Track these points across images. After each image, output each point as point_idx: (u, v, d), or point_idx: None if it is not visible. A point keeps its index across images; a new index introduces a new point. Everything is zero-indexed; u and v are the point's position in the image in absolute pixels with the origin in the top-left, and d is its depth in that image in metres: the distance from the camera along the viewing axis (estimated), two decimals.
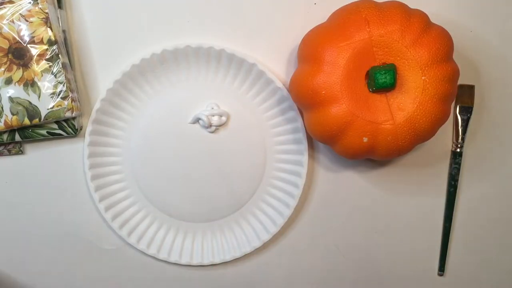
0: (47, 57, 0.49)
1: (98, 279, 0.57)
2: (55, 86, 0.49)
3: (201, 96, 0.54)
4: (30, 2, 0.49)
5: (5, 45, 0.49)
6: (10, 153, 0.53)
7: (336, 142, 0.47)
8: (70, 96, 0.50)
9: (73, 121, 0.52)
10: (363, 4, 0.47)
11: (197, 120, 0.54)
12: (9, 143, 0.53)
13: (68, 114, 0.50)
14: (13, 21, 0.49)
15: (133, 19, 0.54)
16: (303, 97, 0.47)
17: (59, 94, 0.49)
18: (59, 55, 0.49)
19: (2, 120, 0.49)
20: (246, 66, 0.53)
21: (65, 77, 0.50)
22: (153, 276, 0.57)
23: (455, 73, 0.47)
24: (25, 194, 0.55)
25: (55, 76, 0.49)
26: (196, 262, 0.55)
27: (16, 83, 0.49)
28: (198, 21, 0.54)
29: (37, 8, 0.49)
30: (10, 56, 0.49)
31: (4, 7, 0.49)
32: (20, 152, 0.54)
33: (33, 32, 0.49)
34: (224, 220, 0.56)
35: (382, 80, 0.45)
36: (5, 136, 0.51)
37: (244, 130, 0.54)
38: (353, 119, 0.45)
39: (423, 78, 0.45)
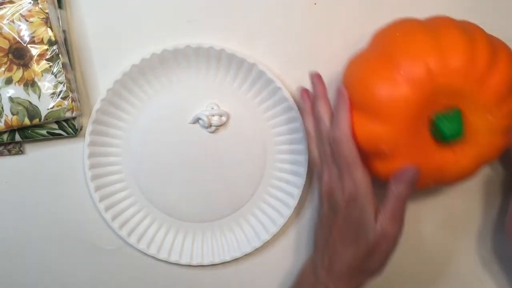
0: (47, 57, 0.49)
1: (98, 279, 0.56)
2: (55, 86, 0.49)
3: (201, 96, 0.54)
4: (30, 2, 0.49)
5: (5, 45, 0.49)
6: (10, 153, 0.53)
7: None
8: (70, 96, 0.50)
9: (73, 121, 0.52)
10: (413, 28, 0.42)
11: (197, 120, 0.54)
12: (9, 143, 0.53)
13: (68, 114, 0.50)
14: (13, 21, 0.49)
15: (133, 19, 0.54)
16: (359, 147, 0.44)
17: (59, 94, 0.49)
18: (59, 55, 0.49)
19: (2, 120, 0.49)
20: (246, 66, 0.53)
21: (65, 77, 0.50)
22: (153, 276, 0.57)
23: None
24: (25, 194, 0.55)
25: (55, 76, 0.49)
26: (196, 262, 0.55)
27: (16, 83, 0.49)
28: (198, 21, 0.54)
29: (37, 8, 0.49)
30: (10, 56, 0.49)
31: (4, 7, 0.49)
32: (20, 152, 0.54)
33: (33, 32, 0.49)
34: (224, 220, 0.56)
35: (449, 131, 0.41)
36: (5, 136, 0.51)
37: (244, 130, 0.54)
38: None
39: (489, 118, 0.41)
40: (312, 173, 0.56)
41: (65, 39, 0.52)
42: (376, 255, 0.45)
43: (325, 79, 0.55)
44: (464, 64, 0.40)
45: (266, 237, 0.54)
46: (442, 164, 0.44)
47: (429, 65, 0.40)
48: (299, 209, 0.56)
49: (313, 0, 0.54)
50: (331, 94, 0.52)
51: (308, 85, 0.55)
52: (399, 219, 0.44)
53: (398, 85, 0.40)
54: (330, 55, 0.55)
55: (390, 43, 0.43)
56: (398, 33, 0.44)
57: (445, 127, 0.41)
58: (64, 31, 0.52)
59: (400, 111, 0.41)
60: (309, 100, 0.50)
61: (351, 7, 0.55)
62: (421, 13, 0.56)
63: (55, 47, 0.49)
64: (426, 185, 0.45)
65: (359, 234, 0.44)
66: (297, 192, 0.54)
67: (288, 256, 0.57)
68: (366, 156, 0.44)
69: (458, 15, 0.56)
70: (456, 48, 0.40)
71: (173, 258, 0.55)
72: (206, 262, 0.55)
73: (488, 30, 0.51)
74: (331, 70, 0.55)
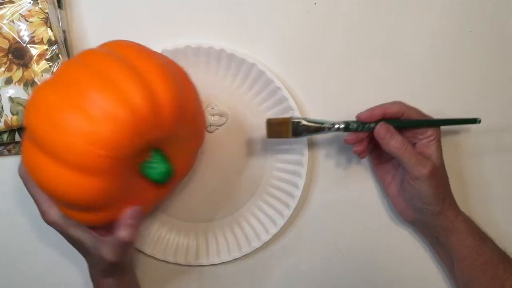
0: (47, 57, 0.49)
1: None
2: None
3: (201, 96, 0.54)
4: (30, 2, 0.49)
5: (5, 45, 0.49)
6: (10, 153, 0.53)
7: None
8: None
9: None
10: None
11: None
12: (9, 143, 0.53)
13: None
14: (13, 21, 0.49)
15: (133, 19, 0.54)
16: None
17: None
18: (59, 55, 0.49)
19: (2, 120, 0.49)
20: (246, 66, 0.53)
21: None
22: (153, 276, 0.56)
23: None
24: (25, 194, 0.55)
25: None
26: (196, 262, 0.55)
27: (16, 83, 0.49)
28: (198, 21, 0.54)
29: (37, 8, 0.49)
30: (10, 56, 0.49)
31: (4, 7, 0.49)
32: (20, 152, 0.54)
33: (33, 32, 0.49)
34: (224, 220, 0.56)
35: (158, 176, 0.42)
36: (5, 136, 0.51)
37: (244, 130, 0.54)
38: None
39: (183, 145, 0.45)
40: (312, 173, 0.56)
41: (65, 39, 0.52)
42: None
43: (324, 79, 0.56)
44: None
45: (266, 237, 0.54)
46: (155, 199, 0.46)
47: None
48: (299, 209, 0.56)
49: (313, 0, 0.54)
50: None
51: (309, 86, 0.55)
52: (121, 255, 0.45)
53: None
54: (330, 55, 0.55)
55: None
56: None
57: (153, 175, 0.42)
58: (64, 31, 0.52)
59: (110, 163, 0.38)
60: None
61: (351, 7, 0.55)
62: (420, 12, 0.56)
63: (55, 47, 0.49)
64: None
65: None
66: (297, 192, 0.54)
67: (288, 256, 0.57)
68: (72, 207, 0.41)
69: (459, 16, 0.56)
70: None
71: (173, 259, 0.55)
72: (206, 262, 0.55)
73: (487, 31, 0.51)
74: (331, 70, 0.56)
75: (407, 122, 0.50)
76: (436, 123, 0.50)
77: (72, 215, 0.42)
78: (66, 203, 0.41)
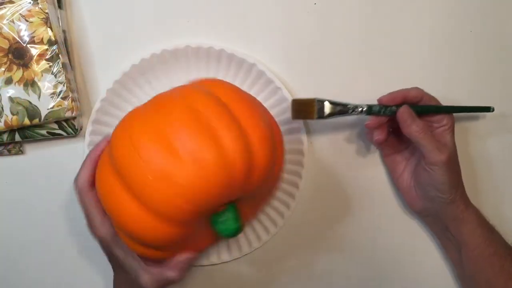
0: (47, 57, 0.49)
1: (98, 279, 0.56)
2: (55, 86, 0.49)
3: None
4: (30, 2, 0.49)
5: (5, 45, 0.49)
6: (10, 153, 0.53)
7: None
8: (70, 96, 0.50)
9: (73, 121, 0.52)
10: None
11: None
12: (9, 143, 0.53)
13: (68, 114, 0.50)
14: (13, 21, 0.49)
15: (133, 19, 0.54)
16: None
17: (59, 94, 0.49)
18: (59, 55, 0.49)
19: (2, 120, 0.49)
20: (246, 66, 0.53)
21: (65, 77, 0.50)
22: None
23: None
24: (25, 194, 0.55)
25: (55, 76, 0.49)
26: (196, 263, 0.55)
27: (16, 83, 0.49)
28: (198, 21, 0.54)
29: (37, 8, 0.49)
30: (10, 56, 0.49)
31: (4, 7, 0.49)
32: (20, 152, 0.54)
33: (33, 32, 0.49)
34: None
35: (227, 232, 0.41)
36: (5, 136, 0.51)
37: None
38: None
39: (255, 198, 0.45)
40: (312, 174, 0.56)
41: (65, 39, 0.52)
42: None
43: (324, 79, 0.56)
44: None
45: (266, 237, 0.54)
46: (210, 244, 0.48)
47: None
48: (299, 209, 0.56)
49: (313, 0, 0.54)
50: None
51: (309, 86, 0.55)
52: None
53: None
54: (330, 55, 0.55)
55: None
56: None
57: (223, 231, 0.41)
58: (64, 31, 0.52)
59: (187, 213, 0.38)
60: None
61: (350, 7, 0.55)
62: (419, 13, 0.56)
63: (55, 47, 0.49)
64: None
65: None
66: (297, 192, 0.54)
67: (289, 256, 0.57)
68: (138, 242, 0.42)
69: (458, 16, 0.56)
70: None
71: None
72: (206, 262, 0.55)
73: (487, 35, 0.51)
74: (331, 70, 0.56)
75: (425, 107, 0.51)
76: (452, 110, 0.51)
77: (131, 245, 0.43)
78: (132, 237, 0.41)
